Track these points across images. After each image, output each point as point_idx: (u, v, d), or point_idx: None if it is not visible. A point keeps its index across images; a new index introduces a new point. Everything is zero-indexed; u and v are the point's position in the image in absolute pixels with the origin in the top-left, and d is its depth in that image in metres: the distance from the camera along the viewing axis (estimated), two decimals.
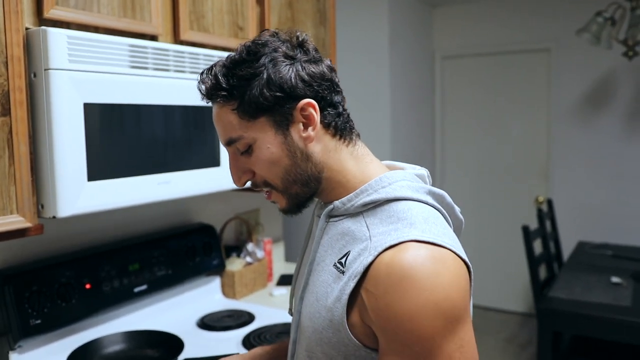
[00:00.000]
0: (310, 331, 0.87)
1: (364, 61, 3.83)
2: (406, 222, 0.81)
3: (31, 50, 1.24)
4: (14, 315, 1.45)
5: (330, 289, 0.84)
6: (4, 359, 1.49)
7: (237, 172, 0.91)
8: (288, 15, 2.06)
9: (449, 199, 0.93)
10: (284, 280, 2.37)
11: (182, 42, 1.62)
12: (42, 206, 1.28)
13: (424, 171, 0.96)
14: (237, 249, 2.29)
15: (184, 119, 1.53)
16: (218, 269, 2.11)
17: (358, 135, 0.94)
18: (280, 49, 0.86)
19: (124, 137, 1.38)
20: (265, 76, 0.84)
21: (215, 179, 1.65)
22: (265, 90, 0.84)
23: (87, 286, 1.63)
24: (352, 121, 0.93)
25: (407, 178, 0.90)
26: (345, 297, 0.80)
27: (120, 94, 1.36)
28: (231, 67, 0.86)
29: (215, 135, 1.64)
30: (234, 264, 2.19)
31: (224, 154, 1.67)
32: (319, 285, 0.87)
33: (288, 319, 1.90)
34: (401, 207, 0.84)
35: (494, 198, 4.54)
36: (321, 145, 0.88)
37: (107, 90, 1.33)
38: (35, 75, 1.24)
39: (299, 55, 0.87)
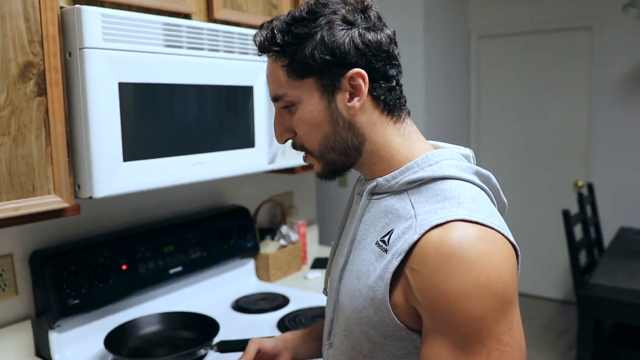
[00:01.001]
0: (350, 310, 0.85)
1: (397, 41, 3.74)
2: (453, 201, 0.78)
3: (66, 29, 1.22)
4: (53, 295, 1.46)
5: (372, 267, 0.82)
6: (44, 338, 1.51)
7: (280, 128, 0.90)
8: None
9: (495, 180, 0.89)
10: (318, 264, 2.35)
11: (215, 21, 1.59)
12: (79, 186, 1.27)
13: (469, 152, 0.93)
14: (271, 231, 2.28)
15: (218, 99, 1.51)
16: (252, 252, 2.10)
17: (408, 112, 0.91)
18: (339, 12, 0.83)
19: (158, 117, 1.36)
20: (318, 37, 0.82)
21: (249, 160, 1.63)
22: (316, 52, 0.82)
23: (124, 267, 1.63)
24: (404, 97, 0.90)
25: (454, 157, 0.87)
26: (389, 275, 0.78)
27: (155, 74, 1.34)
28: (290, 23, 0.85)
29: (250, 115, 1.61)
30: (268, 247, 2.17)
31: (258, 134, 1.65)
32: (360, 263, 0.85)
33: (323, 302, 1.88)
34: (448, 186, 0.81)
35: (531, 182, 4.42)
36: (366, 117, 0.86)
37: (141, 69, 1.31)
38: (70, 55, 1.23)
39: (358, 20, 0.83)
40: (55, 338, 1.50)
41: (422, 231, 0.76)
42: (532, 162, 4.41)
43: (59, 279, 1.48)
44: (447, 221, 0.75)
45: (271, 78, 0.88)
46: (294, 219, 2.39)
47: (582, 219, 3.23)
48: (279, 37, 0.84)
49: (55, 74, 1.20)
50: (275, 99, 0.88)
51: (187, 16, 1.51)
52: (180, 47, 1.40)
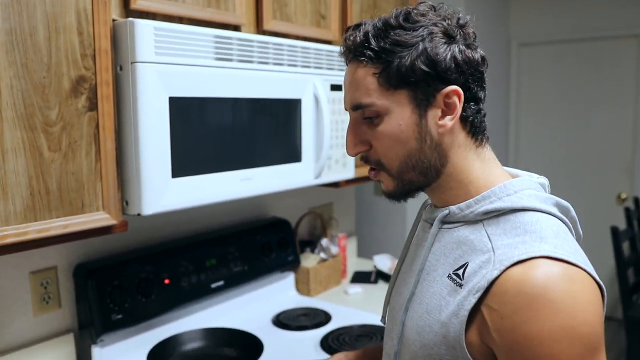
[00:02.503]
0: (418, 346, 0.80)
1: None
2: (535, 235, 0.73)
3: (118, 43, 1.20)
4: (96, 309, 1.44)
5: (444, 302, 0.77)
6: (87, 352, 1.49)
7: (354, 139, 0.84)
8: (370, 3, 1.96)
9: (573, 211, 0.84)
10: (358, 278, 2.30)
11: (264, 32, 1.55)
12: (127, 203, 1.25)
13: (544, 180, 0.88)
14: (311, 243, 2.24)
15: (266, 112, 1.47)
16: (293, 265, 2.06)
17: (488, 138, 0.86)
18: (440, 24, 0.79)
19: (207, 132, 1.33)
20: (420, 48, 0.77)
21: (296, 175, 1.59)
22: (417, 63, 0.77)
23: (166, 281, 1.61)
24: (485, 122, 0.86)
25: (533, 187, 0.82)
26: (465, 312, 0.73)
27: (205, 87, 1.31)
28: (384, 29, 0.79)
29: (297, 129, 1.57)
30: (308, 260, 2.13)
31: (305, 149, 1.60)
32: (430, 296, 0.80)
33: (365, 320, 1.83)
34: (528, 219, 0.76)
35: (573, 194, 4.29)
36: (453, 138, 0.81)
37: (192, 83, 1.28)
38: (121, 69, 1.20)
39: (458, 36, 0.80)
40: (98, 352, 1.48)
41: (503, 267, 0.70)
42: (574, 174, 4.28)
43: (102, 293, 1.46)
44: (529, 257, 0.70)
45: (355, 85, 0.81)
46: (334, 232, 2.34)
47: (631, 235, 3.12)
48: (373, 41, 0.78)
49: (107, 88, 1.18)
50: (356, 107, 0.82)
51: (236, 27, 1.48)
52: (231, 60, 1.37)
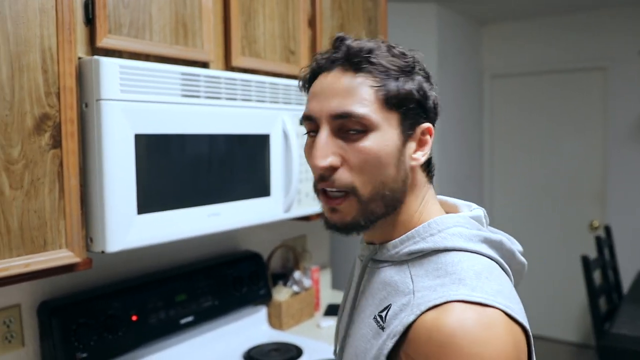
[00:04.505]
0: None
1: None
2: (454, 276, 0.71)
3: (83, 80, 1.20)
4: (60, 348, 1.41)
5: (369, 345, 0.76)
6: None
7: (326, 150, 0.75)
8: None
9: (508, 244, 0.82)
10: (331, 311, 2.28)
11: (233, 68, 1.57)
12: (91, 240, 1.24)
13: (480, 212, 0.85)
14: (283, 276, 2.22)
15: (234, 148, 1.48)
16: (265, 299, 2.05)
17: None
18: (422, 66, 0.81)
19: (174, 168, 1.33)
20: (416, 79, 0.78)
21: (265, 209, 1.59)
22: (413, 91, 0.77)
23: (134, 318, 1.58)
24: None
25: (461, 223, 0.79)
26: (383, 358, 0.72)
27: (172, 124, 1.32)
28: (386, 49, 0.79)
29: (266, 164, 1.58)
30: (281, 293, 2.12)
31: (274, 183, 1.61)
32: (358, 339, 0.80)
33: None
34: (450, 259, 0.74)
35: (545, 222, 4.35)
36: (414, 175, 0.81)
37: (158, 120, 1.29)
38: (86, 106, 1.21)
39: (432, 82, 0.83)
40: None
41: (419, 312, 0.69)
42: (546, 203, 4.34)
43: (67, 331, 1.43)
44: (444, 302, 0.68)
45: (345, 92, 0.75)
46: (307, 264, 2.34)
47: (602, 263, 3.16)
48: (376, 55, 0.77)
49: (71, 125, 1.18)
50: (341, 115, 0.75)
51: (205, 64, 1.50)
52: (198, 96, 1.38)
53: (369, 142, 0.75)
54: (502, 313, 0.68)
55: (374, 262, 0.83)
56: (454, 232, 0.77)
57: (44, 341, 1.46)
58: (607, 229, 3.71)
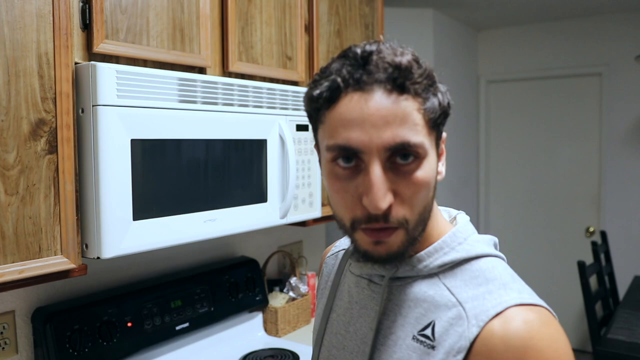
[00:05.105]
0: None
1: None
2: (497, 282, 0.70)
3: (80, 86, 1.20)
4: (54, 355, 1.40)
5: None
6: None
7: (384, 189, 0.66)
8: (337, 44, 2.00)
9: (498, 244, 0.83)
10: None
11: (230, 74, 1.57)
12: (87, 246, 1.23)
13: (466, 215, 0.84)
14: (280, 282, 2.22)
15: (231, 153, 1.48)
16: (261, 305, 2.04)
17: None
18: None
19: (170, 174, 1.33)
20: (441, 88, 0.71)
21: (262, 215, 1.58)
22: (447, 96, 0.71)
23: (129, 324, 1.57)
24: None
25: (474, 230, 0.79)
26: None
27: (168, 130, 1.31)
28: (415, 58, 0.69)
29: (263, 170, 1.57)
30: (277, 299, 2.11)
31: (271, 189, 1.61)
32: None
33: None
34: (484, 266, 0.73)
35: (541, 228, 4.35)
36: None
37: (154, 125, 1.28)
38: (83, 111, 1.20)
39: None
40: None
41: (482, 323, 0.67)
42: (542, 208, 4.35)
43: (62, 338, 1.42)
44: (504, 308, 0.67)
45: (399, 119, 0.65)
46: (303, 270, 2.33)
47: (597, 269, 3.16)
48: (417, 70, 0.67)
49: (67, 131, 1.17)
50: (401, 146, 0.66)
51: (201, 70, 1.49)
52: (195, 102, 1.38)
53: (422, 172, 0.68)
54: (546, 309, 0.69)
55: (394, 279, 0.77)
56: (477, 239, 0.77)
57: (38, 348, 1.45)
58: (603, 235, 3.71)
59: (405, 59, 0.67)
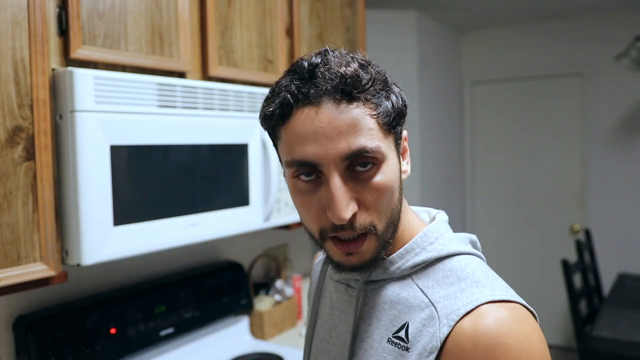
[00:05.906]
0: None
1: None
2: (469, 280, 0.71)
3: (57, 92, 1.19)
4: None
5: None
6: None
7: (346, 198, 0.66)
8: (318, 47, 2.00)
9: (478, 242, 0.82)
10: None
11: (210, 78, 1.57)
12: (67, 252, 1.22)
13: (445, 215, 0.84)
14: (265, 285, 2.22)
15: (212, 157, 1.48)
16: (246, 309, 2.04)
17: None
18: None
19: (151, 179, 1.32)
20: (395, 89, 0.72)
21: (244, 219, 1.58)
22: (402, 96, 0.72)
23: (112, 331, 1.56)
24: None
25: (447, 228, 0.79)
26: None
27: (148, 135, 1.31)
28: (365, 62, 0.70)
29: (245, 173, 1.57)
30: (263, 303, 2.11)
31: (253, 192, 1.61)
32: None
33: None
34: (456, 264, 0.73)
35: (526, 227, 4.39)
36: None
37: (134, 131, 1.28)
38: (60, 117, 1.20)
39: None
40: None
41: (452, 322, 0.67)
42: (527, 207, 4.38)
43: (44, 346, 1.41)
44: (475, 306, 0.67)
45: (353, 127, 0.66)
46: (289, 273, 2.33)
47: (582, 267, 3.19)
48: (364, 76, 0.68)
49: (45, 137, 1.16)
50: (357, 153, 0.66)
51: (181, 74, 1.49)
52: (175, 107, 1.38)
53: (383, 176, 0.68)
54: (521, 306, 0.69)
55: (368, 283, 0.78)
56: (449, 238, 0.77)
57: (20, 356, 1.43)
58: (587, 233, 3.75)
59: (350, 68, 0.67)
